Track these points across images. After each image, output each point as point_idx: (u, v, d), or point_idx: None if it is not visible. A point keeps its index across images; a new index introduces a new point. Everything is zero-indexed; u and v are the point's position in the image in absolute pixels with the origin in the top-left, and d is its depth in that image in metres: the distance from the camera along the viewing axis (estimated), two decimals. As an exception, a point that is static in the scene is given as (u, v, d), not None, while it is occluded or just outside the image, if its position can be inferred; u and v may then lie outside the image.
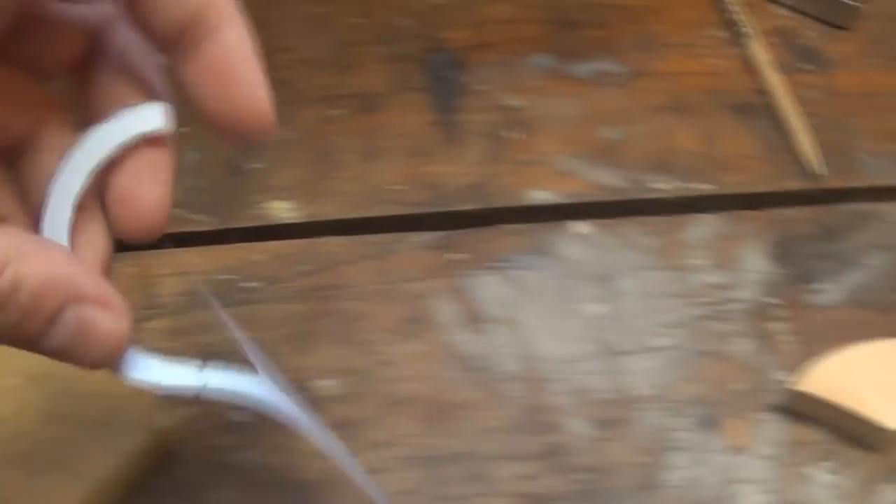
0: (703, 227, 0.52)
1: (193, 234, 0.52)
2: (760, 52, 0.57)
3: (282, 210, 0.53)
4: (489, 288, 0.50)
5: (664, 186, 0.53)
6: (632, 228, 0.52)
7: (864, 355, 0.48)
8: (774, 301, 0.50)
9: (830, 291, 0.51)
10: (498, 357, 0.49)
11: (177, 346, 0.49)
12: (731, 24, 0.59)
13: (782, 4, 0.60)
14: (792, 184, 0.53)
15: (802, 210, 0.53)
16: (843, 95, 0.57)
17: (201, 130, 0.53)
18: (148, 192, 0.30)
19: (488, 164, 0.54)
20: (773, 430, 0.48)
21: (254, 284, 0.51)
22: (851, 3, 0.58)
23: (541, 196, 0.53)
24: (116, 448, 0.44)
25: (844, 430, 0.48)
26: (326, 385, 0.48)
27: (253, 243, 0.52)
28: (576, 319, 0.50)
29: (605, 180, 0.53)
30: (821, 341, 0.49)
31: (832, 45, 0.59)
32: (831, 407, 0.47)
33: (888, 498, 0.47)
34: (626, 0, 0.60)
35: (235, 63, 0.29)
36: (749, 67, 0.57)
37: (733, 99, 0.56)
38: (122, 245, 0.50)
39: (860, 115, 0.56)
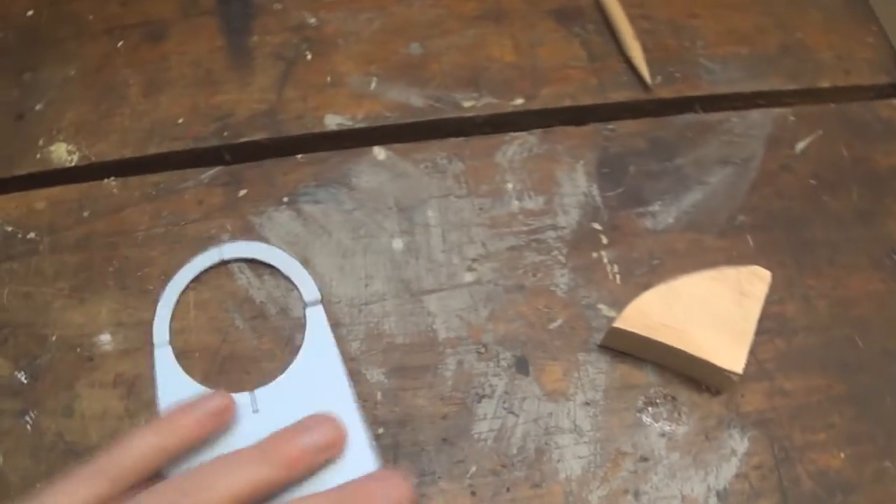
0: (516, 146, 0.38)
1: (-26, 184, 0.39)
2: (587, -49, 0.42)
3: (62, 154, 0.39)
4: (279, 225, 0.37)
5: (473, 104, 0.39)
6: (436, 152, 0.38)
7: (693, 286, 0.34)
8: (598, 227, 0.37)
9: (662, 214, 0.37)
10: (286, 301, 0.36)
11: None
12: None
13: None
14: (619, 95, 0.39)
15: (631, 124, 0.39)
16: (680, -5, 0.43)
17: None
18: None
19: (281, 89, 0.39)
20: (594, 373, 0.35)
21: (33, 235, 0.38)
22: None
23: (336, 121, 0.38)
24: None
25: (677, 368, 0.35)
26: (105, 340, 0.35)
27: (34, 191, 0.38)
28: (372, 256, 0.36)
29: (407, 100, 0.39)
30: (651, 271, 0.36)
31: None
32: (659, 345, 0.34)
33: (732, 444, 0.34)
34: None
35: None
36: (575, -32, 0.43)
37: (555, 2, 0.41)
38: None
39: (701, 16, 0.42)
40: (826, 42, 0.42)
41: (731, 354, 0.33)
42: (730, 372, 0.33)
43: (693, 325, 0.34)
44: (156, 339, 0.35)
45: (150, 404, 0.34)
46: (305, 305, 0.36)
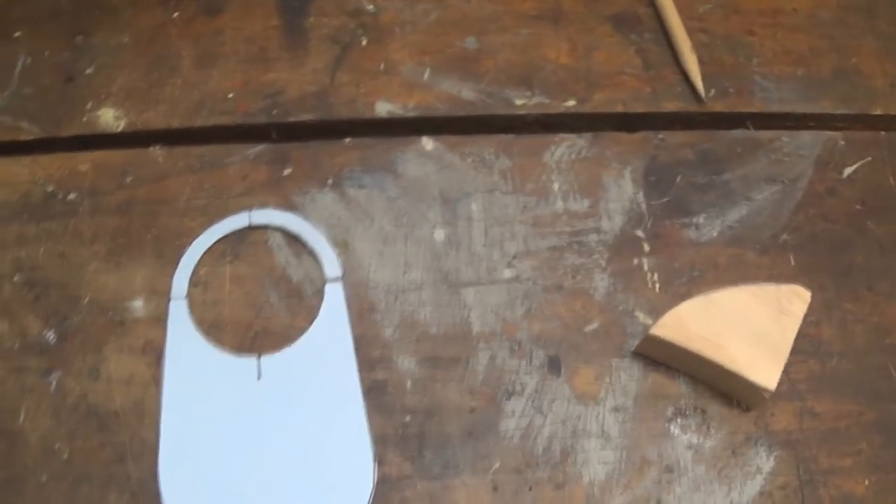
0: (565, 148, 0.40)
1: (18, 143, 0.41)
2: (649, -39, 0.45)
3: (109, 118, 0.41)
4: (322, 207, 0.39)
5: (524, 102, 0.41)
6: (484, 147, 0.40)
7: (732, 299, 0.36)
8: (641, 234, 0.39)
9: (705, 226, 0.39)
10: (323, 283, 0.38)
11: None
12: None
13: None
14: (672, 105, 0.41)
15: (682, 135, 0.41)
16: (741, 11, 0.44)
17: (33, 34, 0.43)
18: None
19: (333, 72, 0.42)
20: (626, 379, 0.37)
21: (73, 197, 0.40)
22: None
23: (387, 108, 0.41)
24: None
25: (709, 381, 0.37)
26: (137, 306, 0.38)
27: (79, 153, 0.41)
28: (413, 245, 0.39)
29: (459, 93, 0.41)
30: (690, 282, 0.38)
31: (733, -44, 0.47)
32: (693, 355, 0.36)
33: (758, 462, 0.36)
34: None
35: None
36: (637, -22, 0.46)
37: (614, 8, 0.44)
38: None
39: (758, 34, 0.44)
40: (881, 69, 0.44)
41: (765, 371, 0.36)
42: (762, 388, 0.35)
43: (729, 338, 0.36)
44: (173, 292, 0.38)
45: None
46: (326, 281, 0.38)
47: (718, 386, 0.37)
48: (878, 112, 0.42)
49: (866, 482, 0.36)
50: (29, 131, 0.41)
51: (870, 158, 0.41)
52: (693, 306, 0.36)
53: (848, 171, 0.41)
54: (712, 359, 0.35)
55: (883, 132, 0.42)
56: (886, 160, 0.41)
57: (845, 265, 0.39)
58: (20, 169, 0.40)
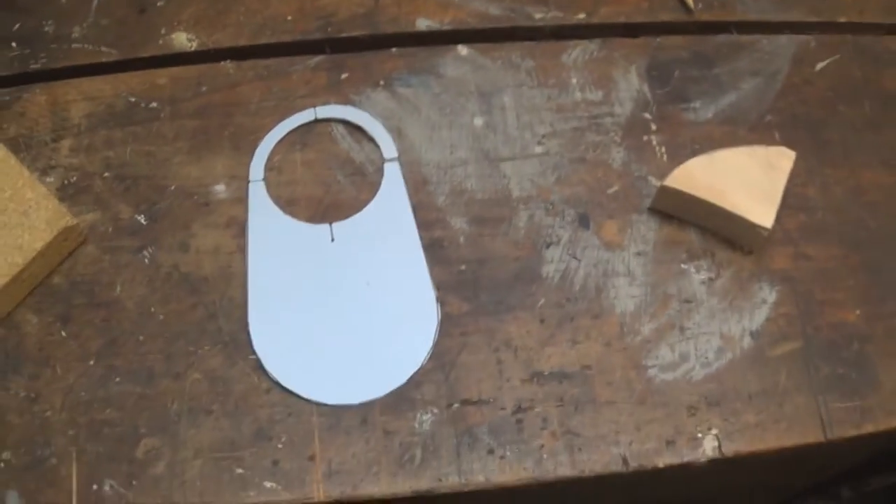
0: (579, 51, 0.50)
1: (101, 64, 0.50)
2: None
3: (183, 41, 0.50)
4: (376, 103, 0.48)
5: (542, 15, 0.51)
6: (510, 51, 0.50)
7: (730, 157, 0.46)
8: (648, 116, 0.49)
9: (701, 109, 0.49)
10: (382, 162, 0.47)
11: (82, 161, 0.47)
12: None
13: None
14: (666, 16, 0.51)
15: (677, 39, 0.51)
16: (721, -57, 0.56)
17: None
18: None
19: None
20: (645, 230, 0.46)
21: (154, 105, 0.48)
22: None
23: (425, 23, 0.50)
24: (24, 246, 0.43)
25: (715, 229, 0.46)
26: (219, 189, 0.46)
27: (156, 70, 0.50)
28: (456, 130, 0.48)
29: (487, 10, 0.51)
30: (691, 152, 0.48)
31: None
32: (700, 203, 0.45)
33: (762, 295, 0.45)
34: None
35: None
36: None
37: (613, -62, 0.55)
38: (33, 76, 0.49)
39: (738, -42, 0.55)
40: (845, -14, 0.55)
41: (761, 212, 0.45)
42: (760, 227, 0.44)
43: (729, 187, 0.45)
44: (251, 176, 0.46)
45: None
46: (384, 161, 0.47)
47: (723, 232, 0.46)
48: (843, 20, 0.53)
49: (857, 311, 0.45)
50: (108, 54, 0.50)
51: (838, 56, 0.51)
52: (698, 162, 0.45)
53: (820, 65, 0.51)
54: (717, 204, 0.44)
55: (849, 35, 0.53)
56: (852, 57, 0.52)
57: (823, 140, 0.49)
58: (104, 85, 0.49)
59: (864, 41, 0.53)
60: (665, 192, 0.45)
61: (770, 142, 0.48)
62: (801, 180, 0.48)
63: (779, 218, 0.45)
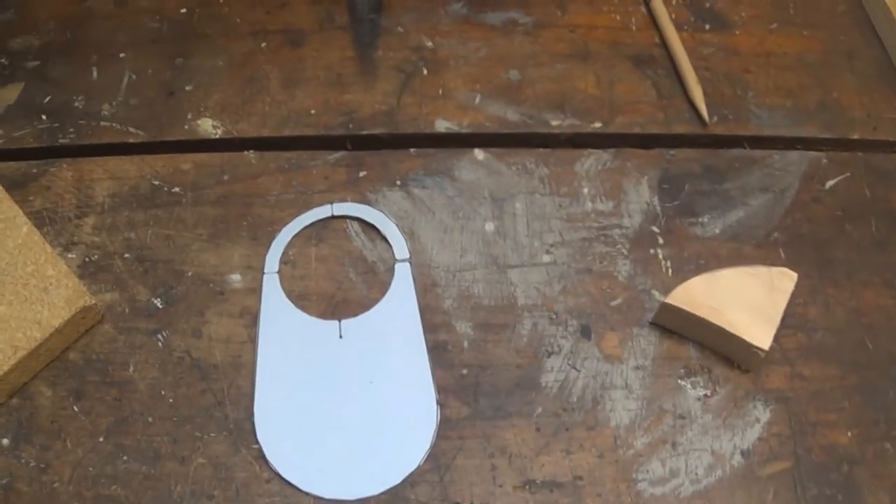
0: (593, 160, 0.56)
1: (127, 144, 0.57)
2: (662, 10, 0.61)
3: (208, 127, 0.57)
4: (392, 202, 0.55)
5: (559, 123, 0.57)
6: (525, 157, 0.56)
7: (732, 277, 0.51)
8: (656, 229, 0.54)
9: (709, 224, 0.55)
10: (393, 262, 0.53)
11: (104, 240, 0.53)
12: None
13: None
14: (681, 128, 0.57)
15: (690, 152, 0.57)
16: (739, 54, 0.62)
17: (137, 56, 0.59)
18: None
19: (399, 95, 0.58)
20: (645, 344, 0.51)
21: (177, 190, 0.55)
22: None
23: (444, 125, 0.57)
24: (43, 322, 0.49)
25: (714, 346, 0.51)
26: (235, 279, 0.52)
27: (181, 154, 0.56)
28: (467, 234, 0.54)
29: (505, 115, 0.57)
30: (696, 267, 0.53)
31: (734, 8, 0.64)
32: (700, 321, 0.50)
33: (756, 414, 0.50)
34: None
35: None
36: (650, 23, 0.62)
37: (632, 50, 0.61)
38: (60, 151, 0.56)
39: (753, 72, 0.61)
40: (859, 102, 0.60)
41: (759, 334, 0.50)
42: (757, 348, 0.50)
43: (729, 307, 0.50)
44: (266, 268, 0.52)
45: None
46: (396, 261, 0.53)
47: (721, 349, 0.51)
48: (855, 137, 0.59)
49: (849, 434, 0.50)
50: (136, 135, 0.56)
51: (848, 174, 0.57)
52: (700, 281, 0.51)
53: (830, 183, 0.57)
54: (715, 323, 0.50)
55: (860, 153, 0.58)
56: (863, 175, 0.57)
57: (827, 259, 0.54)
58: (129, 166, 0.55)
59: (875, 159, 0.58)
60: (666, 308, 0.51)
61: (775, 260, 0.54)
62: (803, 300, 0.53)
63: (778, 337, 0.51)
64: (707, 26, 0.63)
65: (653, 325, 0.52)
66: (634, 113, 0.58)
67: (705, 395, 0.50)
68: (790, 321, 0.52)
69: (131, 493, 0.47)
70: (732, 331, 0.50)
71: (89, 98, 0.57)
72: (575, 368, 0.50)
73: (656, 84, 0.59)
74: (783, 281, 0.51)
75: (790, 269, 0.52)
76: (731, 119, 0.58)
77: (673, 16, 0.62)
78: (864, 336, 0.52)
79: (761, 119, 0.58)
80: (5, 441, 0.48)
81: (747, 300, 0.51)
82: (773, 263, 0.53)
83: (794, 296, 0.51)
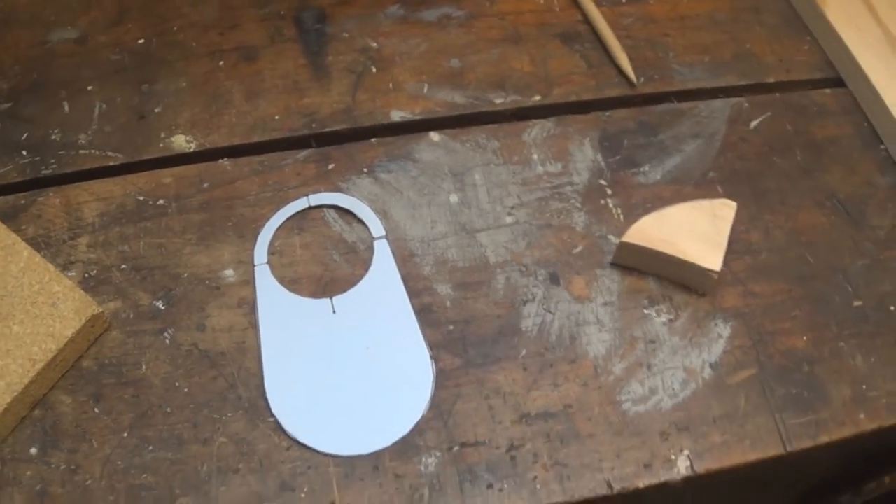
0: (538, 129, 0.64)
1: (108, 167, 0.63)
2: (579, -10, 0.71)
3: (182, 142, 0.63)
4: (362, 188, 0.62)
5: (502, 101, 0.65)
6: (477, 134, 0.64)
7: (678, 212, 0.59)
8: (604, 182, 0.62)
9: (651, 172, 0.63)
10: (372, 240, 0.60)
11: (100, 255, 0.59)
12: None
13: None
14: (612, 92, 0.66)
15: (624, 111, 0.65)
16: (656, 21, 0.71)
17: (104, 87, 0.65)
18: None
19: (354, 93, 0.65)
20: (609, 283, 0.59)
21: (162, 202, 0.62)
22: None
23: (399, 115, 0.64)
24: (56, 334, 0.55)
25: (671, 276, 0.60)
26: (229, 274, 0.59)
27: (160, 170, 0.63)
28: (435, 207, 0.61)
29: (452, 99, 0.65)
30: (643, 210, 0.61)
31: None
32: (655, 254, 0.58)
33: (718, 331, 0.58)
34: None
35: None
36: (572, 3, 0.71)
37: (559, 29, 0.69)
38: (45, 181, 0.62)
39: (671, 35, 0.70)
40: (770, 50, 0.69)
41: (709, 258, 0.58)
42: (710, 271, 0.58)
43: (679, 238, 0.58)
44: (256, 260, 0.59)
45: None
46: (373, 239, 0.60)
47: (678, 278, 0.59)
48: (771, 80, 0.68)
49: (805, 338, 0.58)
50: (115, 158, 0.63)
51: (770, 113, 0.66)
52: (650, 219, 0.59)
53: (754, 123, 0.66)
54: (669, 253, 0.58)
55: (778, 94, 0.67)
56: (783, 113, 0.66)
57: (761, 189, 0.63)
58: (113, 186, 0.62)
59: (792, 98, 0.67)
60: (623, 247, 0.58)
61: (714, 195, 0.62)
62: (745, 227, 0.61)
63: (727, 262, 0.59)
64: (623, 0, 0.72)
65: (613, 266, 0.60)
66: (569, 84, 0.66)
67: (670, 320, 0.58)
68: (736, 247, 0.60)
69: (161, 479, 0.52)
70: (685, 258, 0.58)
71: (65, 130, 0.63)
72: (549, 312, 0.58)
73: (585, 56, 0.68)
74: (724, 210, 0.60)
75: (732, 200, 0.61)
76: (656, 79, 0.67)
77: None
78: (804, 252, 0.61)
79: (684, 75, 0.67)
80: (33, 451, 0.53)
81: (694, 230, 0.59)
82: (712, 199, 0.61)
83: (736, 224, 0.60)
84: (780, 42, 0.71)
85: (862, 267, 0.61)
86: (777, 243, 0.61)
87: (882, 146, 0.66)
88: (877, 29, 0.69)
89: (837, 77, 0.70)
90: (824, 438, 0.56)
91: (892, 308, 0.59)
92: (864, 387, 0.57)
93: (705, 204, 0.59)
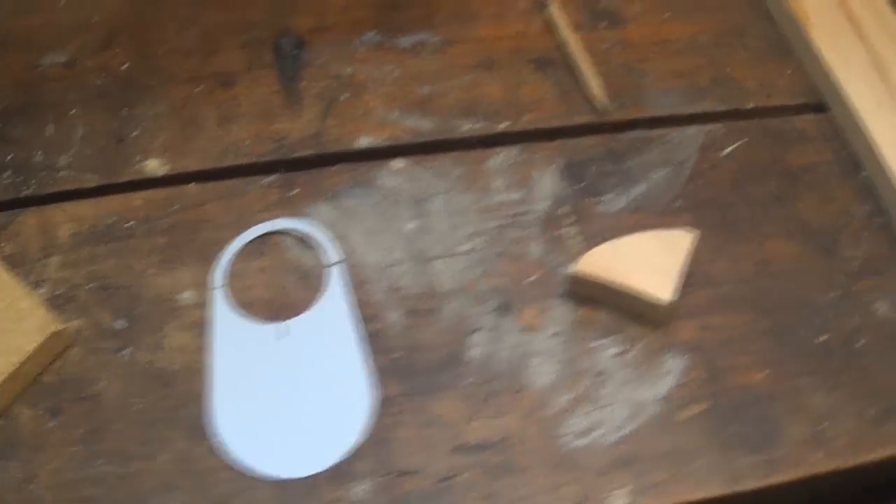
0: (503, 156, 0.65)
1: (84, 189, 0.66)
2: (559, 16, 0.70)
3: (155, 166, 0.66)
4: (324, 214, 0.63)
5: (470, 127, 0.66)
6: (441, 162, 0.65)
7: (632, 242, 0.59)
8: (566, 210, 0.63)
9: (614, 201, 0.63)
10: (327, 266, 0.61)
11: (69, 274, 0.62)
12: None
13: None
14: (582, 118, 0.66)
15: (591, 139, 0.66)
16: (635, 45, 0.71)
17: (87, 111, 0.69)
18: None
19: (324, 119, 0.67)
20: (561, 313, 0.60)
21: (132, 224, 0.64)
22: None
23: (366, 141, 0.66)
24: (18, 348, 0.58)
25: (624, 308, 0.60)
26: (187, 296, 0.61)
27: (133, 193, 0.65)
28: (392, 234, 0.62)
29: (419, 126, 0.67)
30: (602, 240, 0.61)
31: (626, 6, 0.74)
32: (607, 286, 0.58)
33: (670, 364, 0.58)
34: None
35: None
36: (549, 29, 0.71)
37: (534, 55, 0.70)
38: (25, 201, 0.66)
39: (649, 61, 0.70)
40: (752, 74, 0.69)
41: (658, 288, 0.57)
42: (657, 300, 0.57)
43: (630, 268, 0.58)
44: (215, 284, 0.61)
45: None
46: (329, 265, 0.61)
47: (631, 309, 0.59)
48: (751, 106, 0.68)
49: (764, 373, 0.57)
50: (91, 180, 0.66)
51: (746, 140, 0.66)
52: (603, 249, 0.59)
53: (727, 150, 0.65)
54: (618, 284, 0.58)
55: (757, 120, 0.67)
56: (760, 140, 0.66)
57: (730, 218, 0.62)
58: (87, 208, 0.65)
59: (771, 123, 0.67)
60: (574, 278, 0.59)
61: (679, 224, 0.62)
62: (710, 258, 0.61)
63: (686, 294, 0.59)
64: (603, 24, 0.72)
65: (568, 296, 0.60)
66: (538, 110, 0.67)
67: (620, 353, 0.58)
68: (697, 278, 0.60)
69: (106, 492, 0.55)
70: (634, 288, 0.58)
71: (48, 152, 0.67)
72: (497, 341, 0.58)
73: (559, 83, 0.69)
74: (683, 240, 0.59)
75: (695, 230, 0.60)
76: (629, 105, 0.67)
77: (570, 19, 0.72)
78: (770, 284, 0.60)
79: (658, 101, 0.67)
80: (-8, 458, 0.57)
81: (648, 260, 0.59)
82: (677, 227, 0.61)
83: (699, 254, 0.60)
84: (763, 66, 0.70)
85: (832, 299, 0.60)
86: (743, 274, 0.61)
87: (863, 173, 0.65)
88: (862, 51, 0.68)
89: (820, 102, 0.69)
90: (776, 479, 0.55)
91: (858, 344, 0.59)
92: (823, 425, 0.56)
93: (664, 234, 0.59)
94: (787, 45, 0.72)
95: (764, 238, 0.62)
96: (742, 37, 0.72)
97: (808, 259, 0.62)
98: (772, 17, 0.73)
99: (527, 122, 0.66)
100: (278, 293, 0.61)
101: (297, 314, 0.60)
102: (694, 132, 0.66)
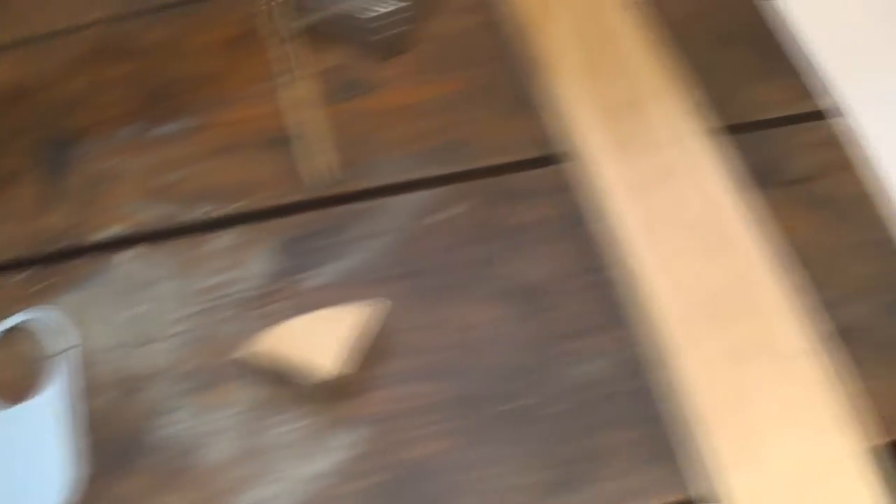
0: (225, 238, 0.68)
1: None
2: (304, 92, 0.73)
3: None
4: (65, 304, 0.68)
5: (203, 211, 0.70)
6: (173, 247, 0.69)
7: (308, 319, 0.61)
8: (276, 287, 0.65)
9: (323, 275, 0.65)
10: (60, 352, 0.66)
11: None
12: (287, 73, 0.76)
13: (343, 41, 0.76)
14: (304, 195, 0.69)
15: (312, 214, 0.68)
16: (377, 113, 0.72)
17: None
18: None
19: (81, 213, 0.72)
20: (248, 392, 0.62)
21: None
22: (397, 31, 0.75)
23: (114, 230, 0.71)
24: None
25: (304, 384, 0.61)
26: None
27: None
28: (123, 319, 0.67)
29: (162, 213, 0.71)
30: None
31: (380, 72, 0.75)
32: (277, 362, 0.61)
33: (341, 439, 0.59)
34: (207, 68, 0.79)
35: None
36: (294, 106, 0.74)
37: (274, 134, 0.73)
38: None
39: (387, 128, 0.71)
40: (488, 133, 0.69)
41: (324, 360, 0.59)
42: (323, 372, 0.59)
43: (297, 344, 0.60)
44: None
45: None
46: (62, 350, 0.66)
47: (309, 386, 0.61)
48: (480, 166, 0.68)
49: (442, 444, 0.58)
50: None
51: (470, 201, 0.67)
52: (273, 330, 0.61)
53: (446, 214, 0.66)
54: (287, 361, 0.60)
55: (488, 179, 0.68)
56: (485, 200, 0.67)
57: (438, 284, 0.64)
58: None
59: (503, 181, 0.67)
60: (250, 356, 0.61)
61: (380, 295, 0.63)
62: (410, 327, 0.62)
63: (378, 366, 0.61)
64: (352, 94, 0.74)
65: (259, 374, 0.62)
66: (265, 190, 0.70)
67: (292, 429, 0.60)
68: (395, 349, 0.62)
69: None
70: (296, 361, 0.60)
71: None
72: (187, 421, 0.62)
73: (289, 160, 0.71)
74: (360, 311, 0.61)
75: (397, 301, 0.62)
76: (357, 176, 0.69)
77: (320, 92, 0.75)
78: (470, 350, 0.61)
79: (386, 169, 0.69)
80: None
81: (315, 335, 0.60)
82: (378, 298, 0.62)
83: (399, 324, 0.62)
84: (503, 124, 0.70)
85: (531, 364, 0.60)
86: (444, 342, 0.61)
87: (588, 226, 0.64)
88: (600, 97, 0.66)
89: (557, 154, 0.68)
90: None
91: (544, 412, 0.58)
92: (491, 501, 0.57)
93: (346, 308, 0.61)
94: (534, 97, 0.71)
95: (472, 303, 0.62)
96: (488, 94, 0.72)
97: (512, 323, 0.62)
98: (525, 69, 0.72)
99: (253, 202, 0.69)
100: (14, 380, 0.66)
101: (25, 398, 0.65)
102: (415, 199, 0.67)
